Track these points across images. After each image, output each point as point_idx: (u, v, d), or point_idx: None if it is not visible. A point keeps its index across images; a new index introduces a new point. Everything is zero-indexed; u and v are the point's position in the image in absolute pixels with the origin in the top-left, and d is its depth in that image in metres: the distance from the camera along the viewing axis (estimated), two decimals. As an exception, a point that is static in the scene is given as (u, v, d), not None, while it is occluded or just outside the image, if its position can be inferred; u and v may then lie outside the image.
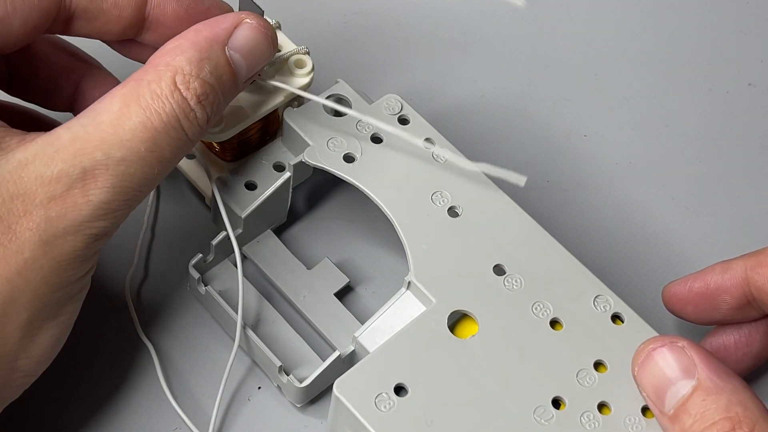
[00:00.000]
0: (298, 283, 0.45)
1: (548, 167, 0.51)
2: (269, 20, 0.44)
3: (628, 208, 0.51)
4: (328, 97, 0.45)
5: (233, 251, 0.43)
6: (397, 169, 0.43)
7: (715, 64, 0.56)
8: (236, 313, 0.43)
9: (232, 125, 0.43)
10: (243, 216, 0.44)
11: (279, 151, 0.45)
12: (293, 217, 0.48)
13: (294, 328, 0.45)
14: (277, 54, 0.44)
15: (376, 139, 0.44)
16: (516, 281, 0.41)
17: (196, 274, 0.44)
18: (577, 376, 0.40)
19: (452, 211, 0.43)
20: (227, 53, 0.39)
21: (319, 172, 0.44)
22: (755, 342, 0.44)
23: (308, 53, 0.45)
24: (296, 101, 0.45)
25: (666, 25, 0.57)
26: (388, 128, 0.42)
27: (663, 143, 0.53)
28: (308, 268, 0.46)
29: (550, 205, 0.50)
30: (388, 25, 0.55)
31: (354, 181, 0.43)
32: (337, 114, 0.46)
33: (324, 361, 0.42)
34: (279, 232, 0.47)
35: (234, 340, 0.43)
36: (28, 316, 0.37)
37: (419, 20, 0.56)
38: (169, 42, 0.39)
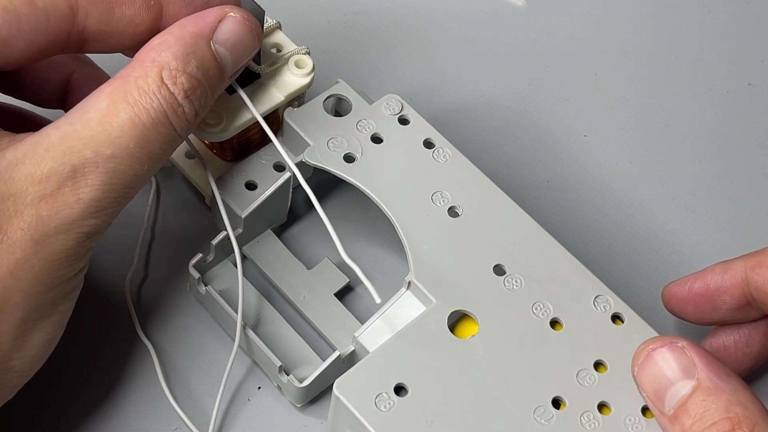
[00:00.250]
0: (298, 283, 0.45)
1: (548, 167, 0.52)
2: (270, 20, 0.44)
3: (628, 208, 0.51)
4: (328, 97, 0.45)
5: (233, 251, 0.43)
6: (397, 169, 0.43)
7: (715, 64, 0.56)
8: (236, 313, 0.43)
9: (232, 125, 0.43)
10: (243, 216, 0.44)
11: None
12: (293, 217, 0.48)
13: (294, 328, 0.45)
14: (278, 54, 0.44)
15: (376, 139, 0.44)
16: (516, 281, 0.41)
17: (196, 274, 0.44)
18: (577, 376, 0.40)
19: (452, 211, 0.43)
20: (212, 47, 0.39)
21: (319, 172, 0.44)
22: (755, 342, 0.44)
23: (308, 53, 0.45)
24: (296, 101, 0.45)
25: (666, 25, 0.57)
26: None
27: (663, 143, 0.53)
28: (308, 268, 0.46)
29: (550, 205, 0.50)
30: (388, 25, 0.55)
31: (354, 181, 0.43)
32: (338, 114, 0.46)
33: (324, 361, 0.42)
34: (279, 232, 0.47)
35: (234, 340, 0.43)
36: (21, 315, 0.37)
37: (419, 20, 0.56)
38: (154, 38, 0.39)
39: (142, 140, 0.37)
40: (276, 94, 0.44)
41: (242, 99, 0.43)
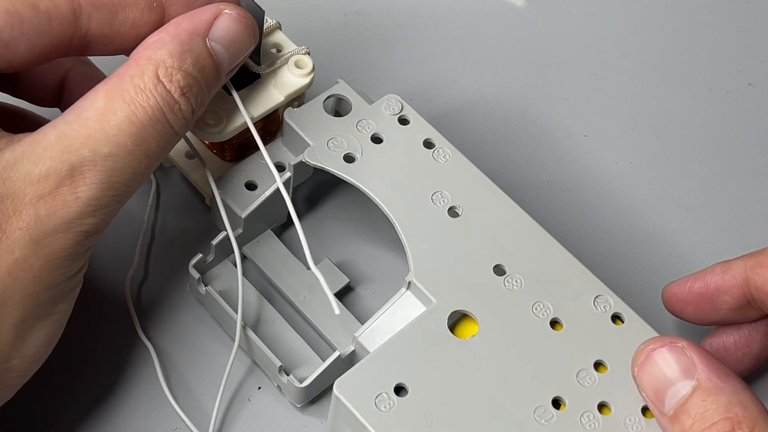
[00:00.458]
0: (298, 283, 0.45)
1: (548, 167, 0.51)
2: (270, 20, 0.44)
3: (628, 208, 0.51)
4: (328, 97, 0.45)
5: (233, 251, 0.43)
6: (397, 169, 0.43)
7: (715, 64, 0.56)
8: (236, 313, 0.43)
9: (232, 125, 0.43)
10: (243, 216, 0.44)
11: (279, 151, 0.45)
12: (293, 217, 0.48)
13: (294, 328, 0.45)
14: (278, 54, 0.44)
15: (376, 139, 0.44)
16: (516, 281, 0.41)
17: (196, 274, 0.44)
18: (577, 376, 0.40)
19: (452, 211, 0.43)
20: (208, 44, 0.39)
21: (319, 172, 0.44)
22: (755, 342, 0.44)
23: (308, 53, 0.45)
24: (296, 101, 0.45)
25: (666, 25, 0.57)
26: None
27: (663, 143, 0.53)
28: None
29: (550, 205, 0.50)
30: (388, 25, 0.55)
31: (354, 181, 0.43)
32: (338, 114, 0.46)
33: (324, 361, 0.42)
34: (279, 232, 0.47)
35: (234, 340, 0.43)
36: (20, 315, 0.36)
37: (419, 20, 0.56)
38: (150, 36, 0.39)
39: (139, 138, 0.37)
40: (276, 94, 0.44)
41: (242, 99, 0.43)
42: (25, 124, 0.44)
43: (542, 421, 0.39)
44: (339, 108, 0.46)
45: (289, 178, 0.44)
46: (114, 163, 0.36)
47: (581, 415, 0.39)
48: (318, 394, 0.44)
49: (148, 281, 0.46)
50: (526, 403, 0.39)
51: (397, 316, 0.41)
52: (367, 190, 0.43)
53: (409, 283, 0.41)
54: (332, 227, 0.48)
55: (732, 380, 0.36)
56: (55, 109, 0.45)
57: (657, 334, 0.41)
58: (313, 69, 0.44)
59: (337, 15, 0.55)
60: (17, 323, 0.37)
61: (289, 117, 0.44)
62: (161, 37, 0.38)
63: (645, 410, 0.39)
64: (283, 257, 0.46)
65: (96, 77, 0.44)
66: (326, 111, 0.45)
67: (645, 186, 0.51)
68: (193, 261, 0.44)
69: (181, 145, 0.45)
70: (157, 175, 0.48)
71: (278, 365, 0.42)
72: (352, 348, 0.42)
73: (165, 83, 0.37)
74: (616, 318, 0.41)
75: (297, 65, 0.44)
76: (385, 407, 0.38)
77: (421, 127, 0.45)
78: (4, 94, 0.44)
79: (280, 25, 0.45)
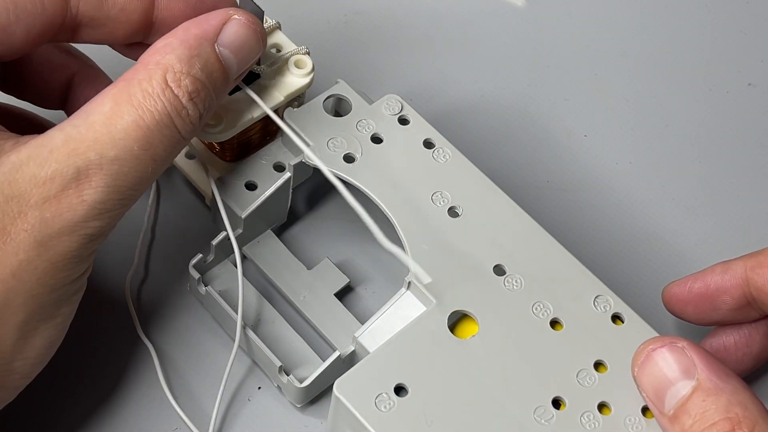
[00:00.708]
0: (298, 283, 0.45)
1: (548, 167, 0.52)
2: (269, 20, 0.44)
3: (628, 208, 0.51)
4: (328, 97, 0.45)
5: (233, 251, 0.43)
6: (397, 169, 0.43)
7: (715, 64, 0.56)
8: (236, 313, 0.43)
9: (232, 125, 0.43)
10: (243, 216, 0.44)
11: (279, 151, 0.45)
12: (293, 217, 0.48)
13: (294, 328, 0.45)
14: (278, 54, 0.44)
15: (376, 139, 0.44)
16: (516, 281, 0.41)
17: (196, 274, 0.44)
18: (577, 376, 0.40)
19: (452, 211, 0.43)
20: (217, 50, 0.39)
21: (319, 172, 0.44)
22: (755, 343, 0.44)
23: (308, 53, 0.45)
24: (296, 101, 0.45)
25: (666, 25, 0.57)
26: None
27: (663, 143, 0.53)
28: (308, 268, 0.46)
29: (550, 205, 0.50)
30: (388, 25, 0.55)
31: (354, 181, 0.43)
32: (338, 114, 0.46)
33: (324, 361, 0.42)
34: (279, 232, 0.47)
35: (234, 340, 0.43)
36: (24, 317, 0.36)
37: (419, 20, 0.56)
38: (158, 41, 0.39)
39: (146, 143, 0.37)
40: (276, 94, 0.44)
41: (243, 99, 0.43)
42: (31, 126, 0.44)
43: (542, 421, 0.39)
44: (339, 108, 0.46)
45: (289, 178, 0.44)
46: (120, 167, 0.36)
47: (581, 415, 0.39)
48: (318, 394, 0.44)
49: (148, 281, 0.46)
50: (526, 403, 0.39)
51: (397, 316, 0.41)
52: (367, 190, 0.43)
53: (409, 283, 0.41)
54: (332, 227, 0.48)
55: (732, 380, 0.36)
56: (60, 111, 0.45)
57: (657, 334, 0.41)
58: (313, 69, 0.44)
59: (337, 15, 0.55)
60: (20, 325, 0.37)
61: (289, 117, 0.44)
62: (170, 41, 0.38)
63: (645, 410, 0.39)
64: (283, 257, 0.46)
65: (101, 81, 0.44)
66: (326, 111, 0.45)
67: (645, 186, 0.51)
68: (193, 261, 0.44)
69: (181, 145, 0.46)
70: (157, 175, 0.48)
71: (278, 365, 0.42)
72: (352, 348, 0.42)
73: (173, 88, 0.37)
74: (616, 318, 0.41)
75: (297, 65, 0.44)
76: (385, 407, 0.38)
77: (421, 127, 0.45)
78: (9, 96, 0.44)
79: (280, 25, 0.45)
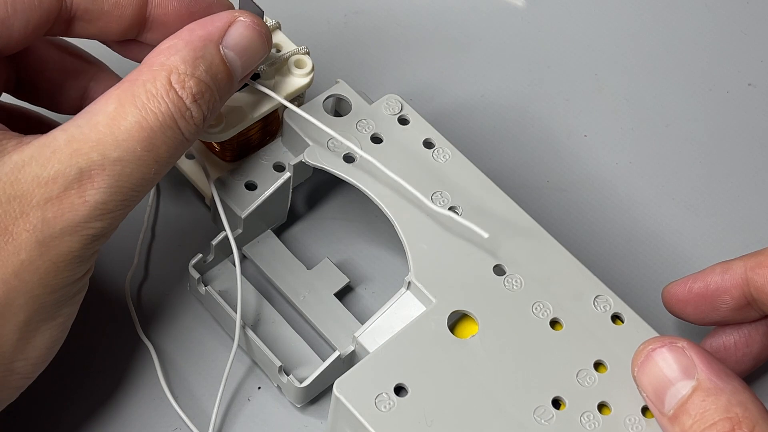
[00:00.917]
0: (298, 283, 0.45)
1: (548, 167, 0.51)
2: (269, 20, 0.44)
3: (628, 208, 0.51)
4: (328, 97, 0.45)
5: (233, 251, 0.43)
6: (397, 169, 0.43)
7: (715, 64, 0.56)
8: (236, 313, 0.43)
9: (232, 125, 0.43)
10: (243, 216, 0.44)
11: (279, 151, 0.45)
12: (293, 217, 0.48)
13: (294, 328, 0.45)
14: (277, 54, 0.44)
15: (376, 139, 0.44)
16: (516, 281, 0.41)
17: (196, 274, 0.44)
18: (577, 376, 0.40)
19: (452, 211, 0.43)
20: (222, 52, 0.39)
21: (319, 172, 0.44)
22: (755, 343, 0.44)
23: (308, 53, 0.45)
24: (296, 101, 0.45)
25: (666, 25, 0.57)
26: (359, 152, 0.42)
27: (663, 143, 0.53)
28: (308, 268, 0.46)
29: (550, 205, 0.50)
30: (388, 25, 0.55)
31: (354, 181, 0.43)
32: (338, 114, 0.46)
33: (324, 361, 0.42)
34: (279, 232, 0.47)
35: (234, 340, 0.43)
36: (25, 317, 0.36)
37: (419, 20, 0.56)
38: (163, 42, 0.39)
39: (149, 144, 0.37)
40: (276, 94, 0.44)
41: (243, 99, 0.43)
42: (36, 126, 0.44)
43: (542, 421, 0.39)
44: (339, 108, 0.46)
45: (289, 178, 0.44)
46: (123, 168, 0.36)
47: (581, 415, 0.39)
48: (318, 394, 0.44)
49: (148, 281, 0.46)
50: (526, 403, 0.39)
51: (397, 316, 0.41)
52: (366, 190, 0.43)
53: (409, 283, 0.41)
54: (332, 227, 0.48)
55: (732, 380, 0.36)
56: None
57: (657, 334, 0.41)
58: (313, 69, 0.44)
59: (337, 15, 0.55)
60: (22, 325, 0.37)
61: (289, 117, 0.44)
62: (175, 43, 0.38)
63: (645, 410, 0.39)
64: (283, 257, 0.46)
65: None
66: (326, 111, 0.45)
67: (645, 186, 0.51)
68: (193, 261, 0.44)
69: (181, 145, 0.46)
70: (157, 175, 0.48)
71: (278, 365, 0.42)
72: (352, 348, 0.42)
73: (177, 89, 0.37)
74: (616, 318, 0.41)
75: (297, 65, 0.44)
76: (385, 407, 0.38)
77: (421, 127, 0.45)
78: (9, 96, 0.44)
79: (280, 25, 0.45)
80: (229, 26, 0.39)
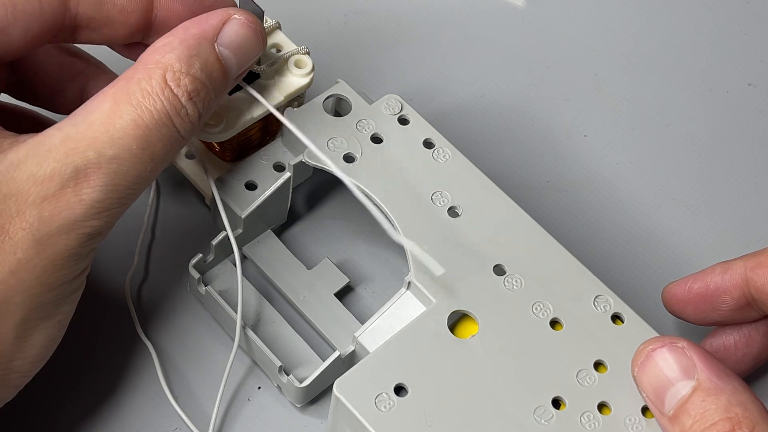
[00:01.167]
0: (298, 283, 0.45)
1: (548, 167, 0.51)
2: (269, 20, 0.44)
3: (628, 208, 0.51)
4: (328, 97, 0.45)
5: (233, 251, 0.43)
6: (397, 169, 0.43)
7: (715, 64, 0.56)
8: (236, 313, 0.43)
9: (232, 125, 0.43)
10: (243, 216, 0.44)
11: (279, 151, 0.45)
12: (293, 217, 0.48)
13: (294, 328, 0.45)
14: (277, 54, 0.44)
15: (376, 139, 0.44)
16: (516, 281, 0.41)
17: (196, 274, 0.44)
18: (577, 376, 0.40)
19: (452, 211, 0.43)
20: (217, 49, 0.39)
21: (319, 172, 0.44)
22: (755, 343, 0.44)
23: (308, 53, 0.45)
24: (296, 101, 0.45)
25: (666, 25, 0.57)
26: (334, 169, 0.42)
27: (663, 143, 0.53)
28: (308, 268, 0.46)
29: (550, 205, 0.50)
30: (388, 25, 0.55)
31: (354, 181, 0.43)
32: (338, 114, 0.46)
33: (324, 361, 0.42)
34: (279, 232, 0.47)
35: (234, 340, 0.43)
36: (23, 315, 0.36)
37: (419, 20, 0.56)
38: (158, 40, 0.39)
39: (145, 142, 0.37)
40: (276, 94, 0.44)
41: (243, 99, 0.43)
42: (31, 124, 0.44)
43: (542, 421, 0.39)
44: (339, 108, 0.46)
45: (289, 178, 0.44)
46: (119, 166, 0.36)
47: (581, 415, 0.39)
48: (318, 394, 0.44)
49: (148, 281, 0.46)
50: (526, 403, 0.39)
51: (397, 316, 0.41)
52: (367, 190, 0.43)
53: (409, 283, 0.41)
54: (332, 227, 0.48)
55: (732, 380, 0.36)
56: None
57: (657, 334, 0.41)
58: (313, 69, 0.44)
59: (337, 15, 0.55)
60: (19, 324, 0.37)
61: (289, 117, 0.44)
62: (169, 41, 0.38)
63: (645, 410, 0.39)
64: (283, 257, 0.46)
65: None
66: (326, 111, 0.45)
67: (645, 186, 0.51)
68: (193, 261, 0.44)
69: (181, 145, 0.46)
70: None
71: (278, 365, 0.42)
72: (352, 348, 0.42)
73: (172, 87, 0.37)
74: (616, 318, 0.41)
75: (297, 65, 0.44)
76: (385, 407, 0.38)
77: (421, 127, 0.45)
78: (25, 103, 0.44)
79: (280, 25, 0.45)
80: (224, 24, 0.39)
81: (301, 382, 0.42)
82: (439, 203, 0.43)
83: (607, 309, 0.41)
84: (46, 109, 0.44)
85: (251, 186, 0.45)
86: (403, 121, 0.45)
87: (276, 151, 0.45)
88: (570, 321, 0.41)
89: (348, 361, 0.42)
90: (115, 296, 0.46)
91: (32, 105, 0.44)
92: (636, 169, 0.52)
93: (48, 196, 0.36)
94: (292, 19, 0.49)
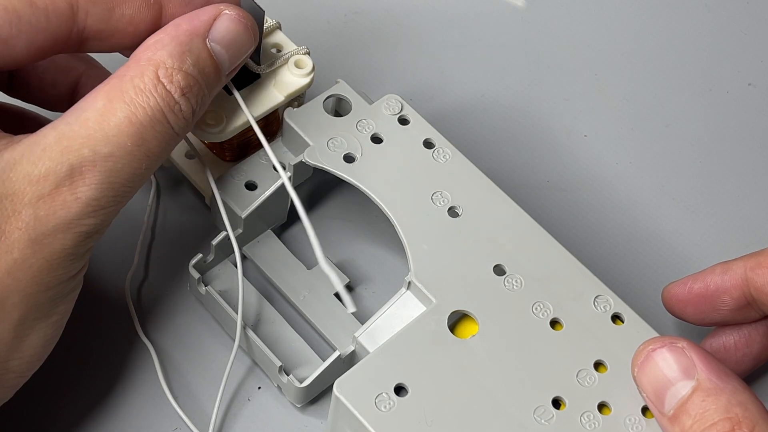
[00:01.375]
0: (298, 283, 0.45)
1: (548, 167, 0.51)
2: (269, 20, 0.44)
3: (628, 208, 0.51)
4: (328, 97, 0.45)
5: (233, 251, 0.43)
6: (397, 169, 0.43)
7: (715, 64, 0.56)
8: (236, 313, 0.43)
9: (232, 125, 0.43)
10: (243, 216, 0.44)
11: (279, 151, 0.45)
12: (293, 217, 0.48)
13: (294, 328, 0.45)
14: (278, 54, 0.44)
15: (376, 139, 0.44)
16: (516, 281, 0.41)
17: (196, 274, 0.44)
18: (577, 376, 0.40)
19: (452, 211, 0.43)
20: (208, 45, 0.39)
21: (319, 172, 0.44)
22: (755, 343, 0.44)
23: (308, 53, 0.45)
24: (296, 101, 0.45)
25: (666, 25, 0.57)
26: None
27: (663, 143, 0.53)
28: (308, 268, 0.46)
29: (550, 205, 0.50)
30: (388, 25, 0.55)
31: (354, 181, 0.43)
32: (338, 114, 0.46)
33: (324, 361, 0.42)
34: (279, 232, 0.47)
35: (234, 340, 0.43)
36: (19, 315, 0.36)
37: (419, 20, 0.56)
38: (150, 37, 0.39)
39: (139, 138, 0.37)
40: (276, 94, 0.44)
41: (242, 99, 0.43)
42: (26, 124, 0.44)
43: (542, 421, 0.39)
44: (339, 108, 0.46)
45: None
46: (114, 164, 0.36)
47: (581, 415, 0.39)
48: (318, 394, 0.44)
49: (148, 281, 0.46)
50: (526, 403, 0.39)
51: (397, 316, 0.41)
52: (366, 190, 0.43)
53: (409, 283, 0.41)
54: (332, 227, 0.48)
55: (732, 380, 0.36)
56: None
57: (657, 334, 0.41)
58: (313, 69, 0.44)
59: (337, 15, 0.55)
60: (16, 324, 0.37)
61: (289, 117, 0.44)
62: (161, 38, 0.38)
63: (645, 410, 0.39)
64: (283, 257, 0.46)
65: None
66: (326, 111, 0.45)
67: (645, 186, 0.51)
68: (193, 261, 0.44)
69: (181, 145, 0.46)
70: (157, 175, 0.48)
71: (278, 365, 0.42)
72: (352, 348, 0.42)
73: (165, 84, 0.37)
74: (616, 318, 0.41)
75: (297, 65, 0.44)
76: (385, 407, 0.38)
77: (421, 127, 0.45)
78: (14, 99, 0.44)
79: (280, 25, 0.45)
80: (215, 20, 0.39)
81: (301, 382, 0.42)
82: (439, 203, 0.43)
83: (607, 309, 0.41)
84: (37, 105, 0.44)
85: (251, 186, 0.45)
86: (403, 121, 0.45)
87: (276, 151, 0.45)
88: (570, 321, 0.41)
89: (348, 361, 0.42)
90: (115, 296, 0.46)
91: (24, 102, 0.44)
92: (636, 169, 0.52)
93: (43, 195, 0.36)
94: (292, 19, 0.49)
